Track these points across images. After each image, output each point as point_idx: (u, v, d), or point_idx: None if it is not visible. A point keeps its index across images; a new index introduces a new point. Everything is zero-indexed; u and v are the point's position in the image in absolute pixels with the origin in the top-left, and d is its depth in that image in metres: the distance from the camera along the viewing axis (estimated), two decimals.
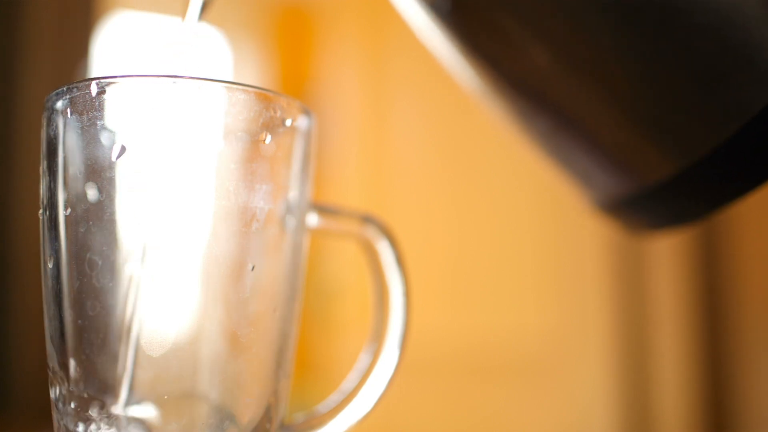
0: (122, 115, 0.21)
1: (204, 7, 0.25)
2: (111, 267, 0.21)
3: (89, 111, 0.21)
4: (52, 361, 0.22)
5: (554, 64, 0.24)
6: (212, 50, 1.62)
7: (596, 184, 0.27)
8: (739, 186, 0.23)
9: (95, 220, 0.21)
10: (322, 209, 0.26)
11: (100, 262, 0.21)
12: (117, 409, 0.21)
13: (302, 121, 0.24)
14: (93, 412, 0.21)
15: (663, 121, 0.23)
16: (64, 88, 0.22)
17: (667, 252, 0.97)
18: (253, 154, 0.22)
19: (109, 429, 0.21)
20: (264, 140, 0.22)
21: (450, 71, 0.30)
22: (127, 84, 0.21)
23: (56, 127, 0.22)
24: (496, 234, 1.13)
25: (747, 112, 0.21)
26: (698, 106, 0.22)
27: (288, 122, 0.23)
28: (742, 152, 0.22)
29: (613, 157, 0.26)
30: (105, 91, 0.21)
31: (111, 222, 0.21)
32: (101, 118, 0.21)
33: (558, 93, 0.25)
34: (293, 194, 0.24)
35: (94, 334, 0.21)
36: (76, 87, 0.22)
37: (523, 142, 0.31)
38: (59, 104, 0.22)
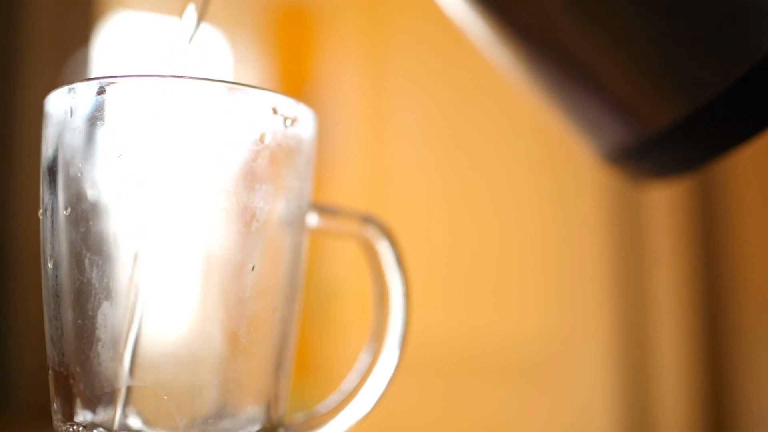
0: (122, 115, 0.21)
1: (204, 8, 0.25)
2: (111, 267, 0.21)
3: (89, 111, 0.21)
4: (52, 361, 0.22)
5: (564, 9, 0.24)
6: (212, 50, 1.62)
7: (603, 133, 0.27)
8: (746, 130, 0.23)
9: (95, 220, 0.21)
10: (322, 209, 0.26)
11: (100, 262, 0.21)
12: (117, 409, 0.21)
13: (302, 121, 0.24)
14: (93, 412, 0.21)
15: (671, 64, 0.23)
16: (64, 88, 0.22)
17: (668, 252, 0.97)
18: (253, 154, 0.22)
19: (109, 429, 0.21)
20: (264, 140, 0.22)
21: (458, 23, 0.30)
22: (127, 84, 0.21)
23: (56, 127, 0.22)
24: (496, 234, 1.13)
25: (755, 54, 0.20)
26: (706, 48, 0.22)
27: (288, 122, 0.23)
28: (750, 95, 0.22)
29: (620, 102, 0.25)
30: (105, 91, 0.21)
31: (111, 222, 0.21)
32: (101, 118, 0.21)
33: (567, 38, 0.25)
34: (293, 194, 0.24)
35: (94, 334, 0.21)
36: (76, 87, 0.22)
37: (531, 95, 0.31)
38: (59, 104, 0.22)
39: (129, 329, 0.21)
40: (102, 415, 0.21)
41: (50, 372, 0.22)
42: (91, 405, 0.21)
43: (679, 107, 0.23)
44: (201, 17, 0.25)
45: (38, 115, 0.23)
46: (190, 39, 0.25)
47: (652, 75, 0.24)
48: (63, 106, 0.22)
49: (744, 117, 0.23)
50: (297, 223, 0.24)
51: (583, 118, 0.28)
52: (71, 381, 0.22)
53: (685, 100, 0.23)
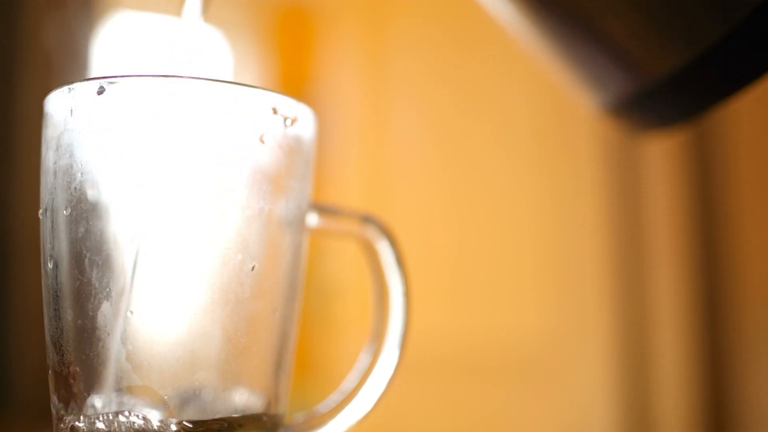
0: (122, 115, 0.21)
1: (204, 6, 0.25)
2: (111, 267, 0.21)
3: (89, 111, 0.21)
4: (52, 362, 0.22)
5: None
6: (212, 50, 1.62)
7: (606, 84, 0.28)
8: (746, 76, 0.24)
9: (95, 220, 0.21)
10: (322, 209, 0.26)
11: (100, 262, 0.21)
12: (116, 408, 0.21)
13: (302, 121, 0.24)
14: (93, 412, 0.21)
15: (672, 11, 0.23)
16: (64, 88, 0.22)
17: (668, 252, 0.97)
18: (253, 154, 0.22)
19: (108, 428, 0.21)
20: (264, 140, 0.22)
21: None
22: (127, 84, 0.21)
23: (56, 127, 0.22)
24: (496, 234, 1.13)
25: (754, 0, 0.21)
26: None
27: (288, 122, 0.23)
28: (749, 40, 0.22)
29: (623, 52, 0.26)
30: (105, 91, 0.21)
31: (111, 222, 0.21)
32: (101, 118, 0.21)
33: None
34: (293, 194, 0.24)
35: (94, 334, 0.21)
36: (76, 87, 0.22)
37: (536, 49, 0.31)
38: (59, 104, 0.22)
39: (125, 328, 0.21)
40: (101, 415, 0.21)
41: (50, 372, 0.22)
42: (91, 405, 0.21)
43: (681, 54, 0.23)
44: (201, 14, 0.25)
45: (38, 115, 0.23)
46: (190, 34, 0.25)
47: (653, 23, 0.24)
48: (63, 106, 0.22)
49: (744, 63, 0.23)
50: (297, 223, 0.24)
51: (587, 69, 0.29)
52: (71, 381, 0.22)
53: (686, 47, 0.23)
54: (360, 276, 1.22)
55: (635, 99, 0.26)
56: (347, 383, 0.25)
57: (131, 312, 0.21)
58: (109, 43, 1.21)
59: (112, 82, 0.21)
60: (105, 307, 0.21)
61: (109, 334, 0.21)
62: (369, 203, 1.26)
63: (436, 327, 1.10)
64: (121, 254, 0.21)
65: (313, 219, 0.25)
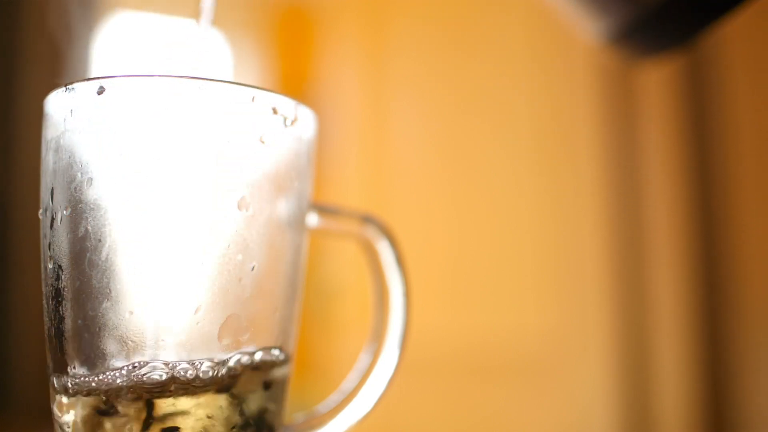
0: (122, 115, 0.21)
1: (213, 8, 0.25)
2: (111, 267, 0.21)
3: (89, 111, 0.21)
4: (52, 361, 0.22)
5: None
6: (213, 50, 1.61)
7: (609, 13, 0.30)
8: None
9: (95, 220, 0.21)
10: (322, 209, 0.26)
11: (99, 262, 0.21)
12: (115, 408, 0.21)
13: (303, 121, 0.24)
14: (93, 412, 0.21)
15: None
16: (64, 89, 0.22)
17: (668, 252, 0.96)
18: (253, 154, 0.22)
19: (107, 428, 0.21)
20: (264, 140, 0.22)
21: None
22: (127, 84, 0.21)
23: (56, 127, 0.22)
24: (496, 234, 1.13)
25: None
26: None
27: (288, 122, 0.23)
28: None
29: None
30: (105, 91, 0.21)
31: (111, 222, 0.21)
32: (101, 118, 0.21)
33: None
34: (293, 194, 0.24)
35: (94, 334, 0.21)
36: (76, 87, 0.22)
37: None
38: (59, 104, 0.22)
39: (128, 329, 0.21)
40: (101, 415, 0.21)
41: (50, 372, 0.22)
42: (91, 405, 0.21)
43: None
44: (209, 19, 0.25)
45: (38, 115, 0.23)
46: (197, 40, 0.25)
47: None
48: (63, 107, 0.22)
49: None
50: (297, 223, 0.24)
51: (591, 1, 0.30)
52: (70, 381, 0.21)
53: None
54: (360, 276, 1.22)
55: (635, 25, 0.28)
56: (347, 383, 0.25)
57: (131, 312, 0.21)
58: (109, 43, 1.21)
59: (112, 82, 0.21)
60: (105, 307, 0.21)
61: (108, 334, 0.21)
62: (369, 203, 1.26)
63: (436, 327, 1.10)
64: (121, 254, 0.21)
65: (313, 219, 0.25)
